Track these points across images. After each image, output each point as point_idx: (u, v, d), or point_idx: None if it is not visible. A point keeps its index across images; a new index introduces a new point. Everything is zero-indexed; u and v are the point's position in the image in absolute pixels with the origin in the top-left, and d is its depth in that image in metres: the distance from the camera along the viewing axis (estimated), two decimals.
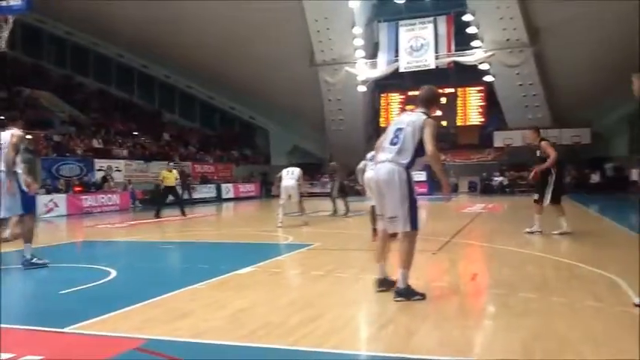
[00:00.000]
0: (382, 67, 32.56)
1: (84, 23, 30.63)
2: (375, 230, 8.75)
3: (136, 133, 30.24)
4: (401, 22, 32.08)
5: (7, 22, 10.17)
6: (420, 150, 4.91)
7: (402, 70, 32.08)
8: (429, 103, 5.17)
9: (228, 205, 25.77)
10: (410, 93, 35.31)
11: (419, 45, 31.67)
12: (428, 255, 8.02)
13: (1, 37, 10.15)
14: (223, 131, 39.42)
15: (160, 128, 33.67)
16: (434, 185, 32.05)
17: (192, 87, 37.32)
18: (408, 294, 4.88)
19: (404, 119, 5.10)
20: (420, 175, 30.87)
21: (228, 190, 30.21)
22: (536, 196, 9.90)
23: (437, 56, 31.48)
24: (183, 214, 16.89)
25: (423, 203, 23.67)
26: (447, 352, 3.62)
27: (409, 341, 3.90)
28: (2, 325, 4.28)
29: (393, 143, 5.00)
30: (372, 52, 33.06)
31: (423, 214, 19.08)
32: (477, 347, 3.84)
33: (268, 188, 31.14)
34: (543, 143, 9.16)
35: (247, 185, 32.66)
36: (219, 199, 28.53)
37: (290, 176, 13.27)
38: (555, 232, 9.62)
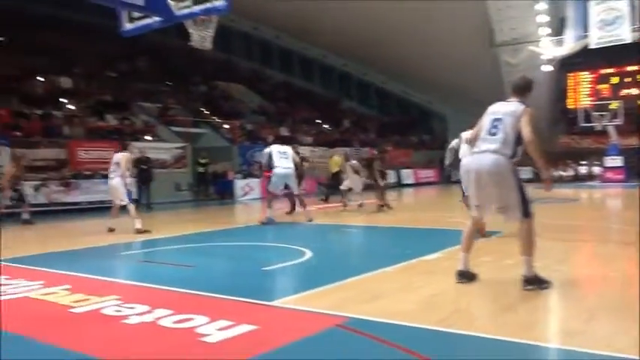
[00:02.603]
0: (570, 44, 30.21)
1: (267, 19, 32.76)
2: None
3: (318, 121, 31.67)
4: None
5: (212, 22, 11.08)
6: (519, 139, 4.93)
7: (592, 46, 29.39)
8: (524, 92, 5.19)
9: (408, 191, 26.00)
10: (602, 71, 32.35)
11: (612, 18, 28.70)
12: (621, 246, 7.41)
13: (206, 36, 11.12)
14: (400, 117, 39.60)
15: (340, 115, 34.85)
16: (630, 172, 29.05)
17: (368, 74, 37.99)
18: (536, 282, 4.85)
19: (500, 109, 5.09)
20: (615, 161, 28.16)
21: (408, 175, 30.54)
22: None
23: (633, 29, 28.29)
24: (326, 200, 17.25)
25: (617, 191, 21.72)
26: None
27: (616, 339, 3.65)
28: (222, 296, 4.90)
29: (491, 134, 5.02)
30: (558, 29, 30.79)
31: (618, 203, 17.46)
32: None
33: (448, 174, 30.78)
34: None
35: (426, 170, 32.73)
36: (399, 185, 28.88)
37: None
38: None
